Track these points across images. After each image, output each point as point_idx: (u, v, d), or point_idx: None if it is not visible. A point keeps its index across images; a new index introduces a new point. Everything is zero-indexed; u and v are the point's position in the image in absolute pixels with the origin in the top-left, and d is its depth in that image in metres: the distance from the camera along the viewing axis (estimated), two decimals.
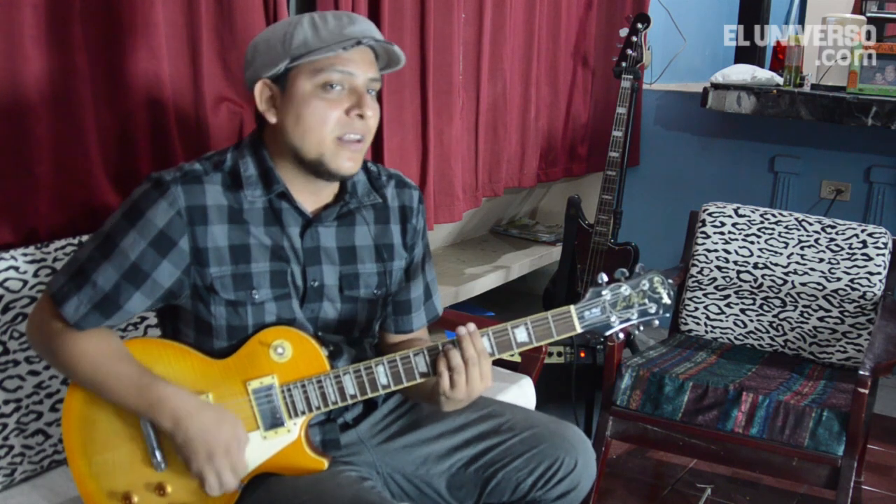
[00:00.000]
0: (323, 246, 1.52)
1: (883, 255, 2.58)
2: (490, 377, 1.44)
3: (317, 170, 1.45)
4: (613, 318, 1.45)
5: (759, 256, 2.68)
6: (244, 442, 1.43)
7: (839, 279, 2.59)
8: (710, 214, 2.76)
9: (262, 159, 1.48)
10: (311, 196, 1.51)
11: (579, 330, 1.44)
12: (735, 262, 2.70)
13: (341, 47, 1.39)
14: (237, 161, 1.48)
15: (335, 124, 1.42)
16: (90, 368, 1.41)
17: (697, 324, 2.75)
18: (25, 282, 1.69)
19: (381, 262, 1.58)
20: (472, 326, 1.42)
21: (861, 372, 2.12)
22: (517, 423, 1.60)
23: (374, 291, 1.58)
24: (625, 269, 1.46)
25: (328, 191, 1.53)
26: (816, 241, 2.65)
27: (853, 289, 2.57)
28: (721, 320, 2.72)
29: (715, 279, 2.72)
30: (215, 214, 1.44)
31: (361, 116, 1.43)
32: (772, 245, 2.68)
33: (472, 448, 1.59)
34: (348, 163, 1.44)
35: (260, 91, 1.46)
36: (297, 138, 1.43)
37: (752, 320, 2.69)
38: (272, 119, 1.46)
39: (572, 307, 1.43)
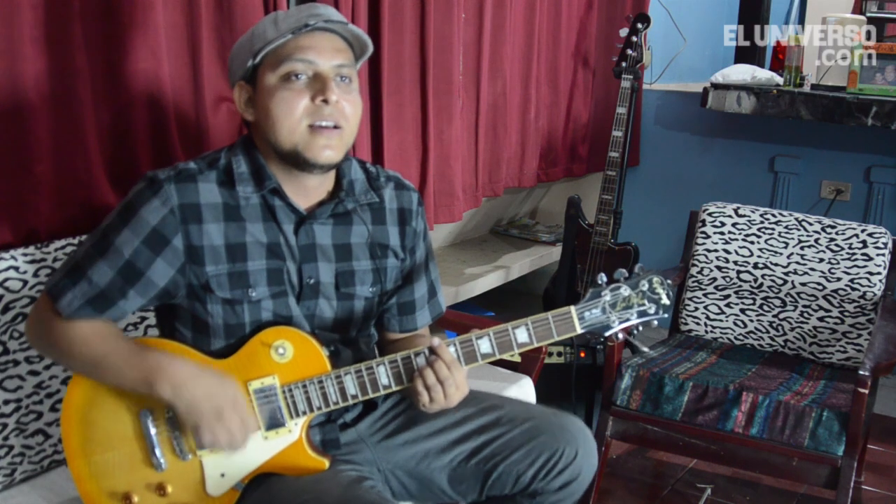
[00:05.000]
0: (318, 243, 1.52)
1: (883, 255, 2.58)
2: (465, 385, 1.47)
3: (296, 161, 1.45)
4: (613, 319, 1.46)
5: (759, 256, 2.68)
6: (245, 404, 1.42)
7: (839, 279, 2.59)
8: (710, 214, 2.76)
9: (255, 157, 1.49)
10: (303, 194, 1.51)
11: (579, 330, 1.45)
12: (735, 262, 2.70)
13: (290, 32, 1.41)
14: (230, 159, 1.49)
15: (303, 113, 1.42)
16: (86, 350, 1.41)
17: (697, 324, 2.75)
18: (25, 282, 1.69)
19: (375, 260, 1.58)
20: (435, 340, 1.44)
21: (861, 372, 2.12)
22: (516, 416, 1.61)
23: (370, 289, 1.58)
24: (624, 270, 1.47)
25: (321, 188, 1.53)
26: (816, 241, 2.65)
27: (853, 289, 2.57)
28: (721, 320, 2.72)
29: (715, 279, 2.72)
30: (210, 213, 1.44)
31: (326, 101, 1.41)
32: (772, 245, 2.68)
33: (471, 441, 1.59)
34: (326, 151, 1.44)
35: (238, 94, 1.49)
36: (270, 132, 1.44)
37: (752, 320, 2.69)
38: (249, 118, 1.48)
39: (572, 308, 1.45)
